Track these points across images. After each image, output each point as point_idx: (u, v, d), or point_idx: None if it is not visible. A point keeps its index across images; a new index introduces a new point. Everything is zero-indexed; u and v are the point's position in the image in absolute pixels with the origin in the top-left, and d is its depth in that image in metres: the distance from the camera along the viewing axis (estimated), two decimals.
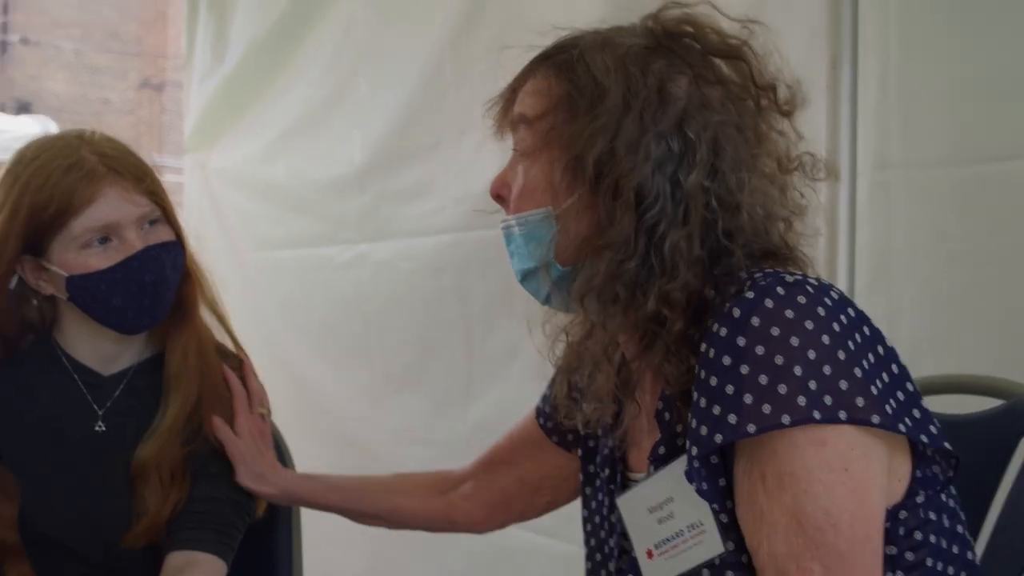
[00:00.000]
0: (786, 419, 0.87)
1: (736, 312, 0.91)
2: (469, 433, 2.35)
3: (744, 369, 0.89)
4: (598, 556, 1.13)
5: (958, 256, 1.64)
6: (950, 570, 0.95)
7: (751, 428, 0.88)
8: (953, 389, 1.30)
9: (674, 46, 1.01)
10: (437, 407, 2.49)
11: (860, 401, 0.88)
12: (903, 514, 0.93)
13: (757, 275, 0.95)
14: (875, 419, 0.88)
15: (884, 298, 1.70)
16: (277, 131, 2.96)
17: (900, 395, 0.92)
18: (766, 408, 0.87)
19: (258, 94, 3.03)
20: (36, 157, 1.36)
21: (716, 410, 0.90)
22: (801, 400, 0.87)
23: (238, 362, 1.48)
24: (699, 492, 0.93)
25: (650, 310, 0.96)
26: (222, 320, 1.49)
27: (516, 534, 2.29)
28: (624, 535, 1.05)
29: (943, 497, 0.97)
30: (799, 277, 0.94)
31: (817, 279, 0.94)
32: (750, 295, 0.91)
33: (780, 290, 0.91)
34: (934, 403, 1.26)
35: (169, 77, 16.09)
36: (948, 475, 0.97)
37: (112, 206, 1.34)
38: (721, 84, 1.00)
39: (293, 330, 2.90)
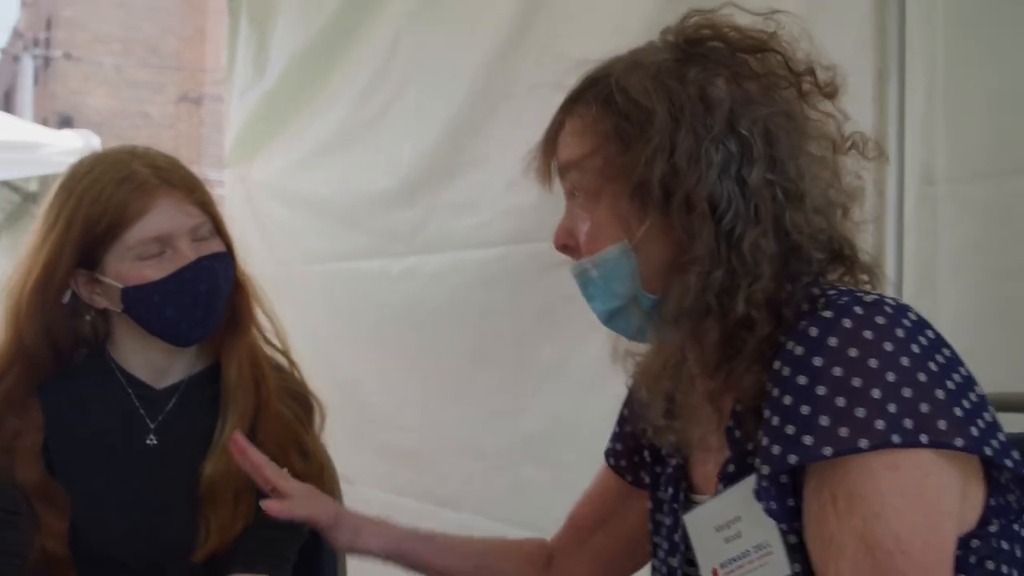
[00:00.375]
0: (864, 443, 0.86)
1: (813, 331, 0.90)
2: (519, 445, 2.35)
3: (821, 390, 0.88)
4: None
5: (1004, 269, 1.62)
6: None
7: (827, 451, 0.87)
8: (999, 407, 1.27)
9: (701, 51, 1.00)
10: (487, 419, 2.48)
11: (942, 424, 0.86)
12: (975, 543, 0.91)
13: (831, 292, 0.94)
14: (959, 442, 0.87)
15: (928, 311, 1.67)
16: (322, 143, 2.97)
17: (981, 421, 0.90)
18: (843, 431, 0.86)
19: (301, 107, 3.05)
20: (89, 172, 1.38)
21: (790, 430, 0.89)
22: (879, 424, 0.86)
23: (290, 374, 1.49)
24: (768, 512, 0.92)
25: (740, 314, 0.94)
26: (277, 329, 1.50)
27: None
28: (689, 554, 1.04)
29: (1016, 527, 0.94)
30: (876, 297, 0.93)
31: (894, 300, 0.93)
32: (827, 314, 0.90)
33: (858, 309, 0.90)
34: None
35: (207, 91, 16.29)
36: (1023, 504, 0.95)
37: (165, 217, 1.35)
38: (758, 77, 0.99)
39: (343, 342, 2.91)
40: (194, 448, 1.39)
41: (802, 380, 0.89)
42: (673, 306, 0.97)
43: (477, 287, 2.48)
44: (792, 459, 0.88)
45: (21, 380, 1.39)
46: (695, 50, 1.00)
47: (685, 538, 1.04)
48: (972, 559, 0.91)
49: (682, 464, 1.09)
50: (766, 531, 0.94)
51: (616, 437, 1.24)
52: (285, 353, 1.51)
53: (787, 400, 0.89)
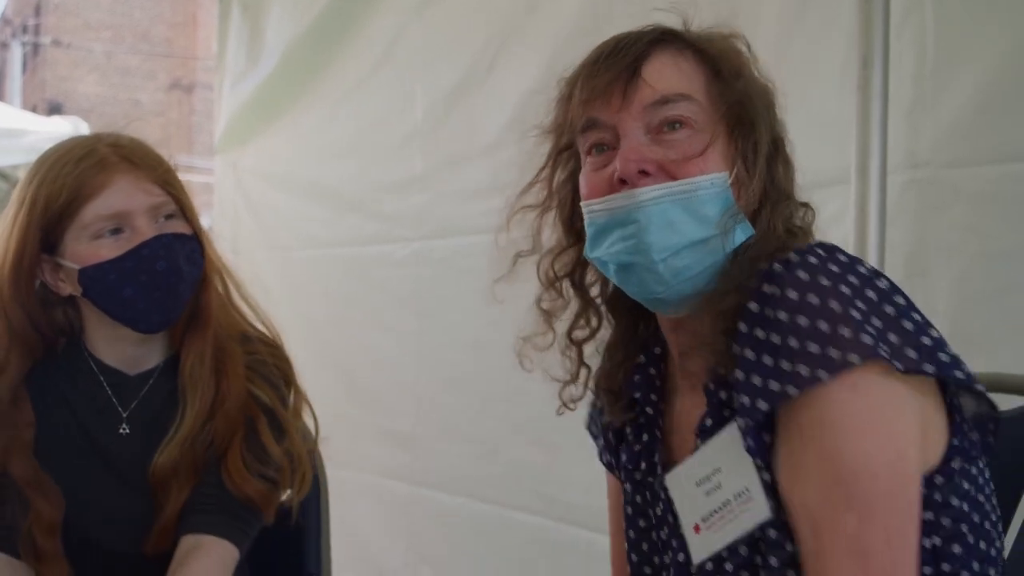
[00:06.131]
0: (822, 374, 0.88)
1: (782, 270, 0.94)
2: (513, 430, 2.37)
3: (801, 320, 0.90)
4: (647, 569, 1.13)
5: (991, 255, 1.64)
6: (982, 544, 0.95)
7: (792, 391, 0.89)
8: (991, 388, 1.29)
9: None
10: (482, 404, 2.50)
11: (911, 352, 0.89)
12: (939, 479, 0.93)
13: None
14: (929, 367, 0.90)
15: (917, 297, 1.69)
16: (324, 130, 2.97)
17: (926, 340, 0.92)
18: (803, 369, 0.89)
19: (299, 94, 3.04)
20: (53, 154, 1.36)
21: (757, 380, 0.92)
22: (833, 352, 0.88)
23: (270, 345, 1.46)
24: (747, 449, 0.94)
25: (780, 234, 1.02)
26: (261, 316, 1.47)
27: (557, 527, 2.31)
28: (673, 519, 1.05)
29: (974, 469, 0.97)
30: (830, 246, 0.96)
31: (820, 244, 0.96)
32: (793, 256, 0.94)
33: (820, 250, 0.94)
34: None
35: (199, 79, 16.22)
36: (987, 440, 0.98)
37: (124, 194, 1.32)
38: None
39: (339, 326, 2.91)
40: (161, 438, 1.37)
41: (781, 315, 0.91)
42: (762, 240, 1.00)
43: (482, 273, 2.49)
44: (791, 390, 0.90)
45: (20, 366, 1.39)
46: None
47: (668, 505, 1.05)
48: (937, 496, 0.93)
49: (653, 439, 1.11)
50: (745, 477, 0.95)
51: (595, 438, 1.25)
52: (272, 341, 1.48)
53: (774, 337, 0.91)
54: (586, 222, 1.05)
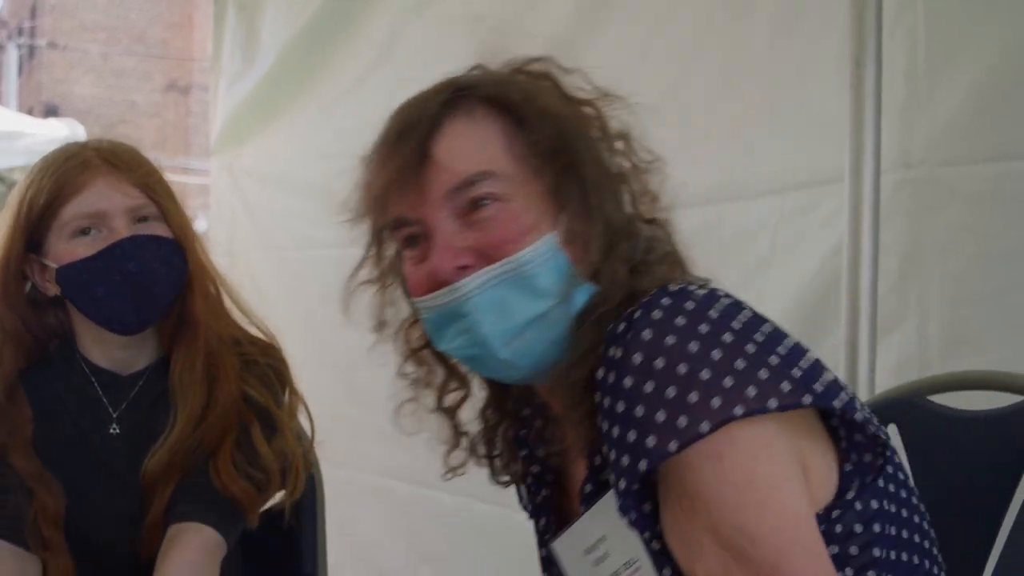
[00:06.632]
0: (704, 427, 0.82)
1: (623, 330, 0.87)
2: None
3: (648, 387, 0.85)
4: None
5: (987, 254, 1.64)
6: (904, 555, 0.91)
7: (673, 446, 0.83)
8: (969, 385, 1.29)
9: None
10: (480, 403, 2.49)
11: (785, 386, 0.84)
12: (836, 513, 0.88)
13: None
14: (772, 403, 0.83)
15: (913, 297, 1.70)
16: (320, 132, 2.95)
17: (796, 372, 0.86)
18: (681, 421, 0.83)
19: (295, 95, 3.04)
20: (45, 158, 1.40)
21: (632, 436, 0.85)
22: (715, 402, 0.82)
23: (268, 348, 1.46)
24: (630, 523, 0.89)
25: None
26: (255, 320, 1.47)
27: None
28: None
29: (880, 483, 0.91)
30: (682, 285, 0.92)
31: (666, 291, 0.90)
32: (636, 312, 0.88)
33: (665, 300, 0.88)
34: (954, 400, 1.27)
35: (195, 80, 16.22)
36: (881, 460, 0.92)
37: (101, 195, 1.34)
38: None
39: (337, 326, 2.88)
40: (150, 439, 1.38)
41: (627, 382, 0.86)
42: (606, 295, 0.93)
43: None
44: (643, 465, 0.85)
45: (13, 364, 1.40)
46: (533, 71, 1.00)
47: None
48: (838, 528, 0.88)
49: (549, 495, 1.06)
50: (632, 546, 0.91)
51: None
52: (267, 343, 1.48)
53: (620, 407, 0.86)
54: (421, 318, 1.00)
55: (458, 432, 1.09)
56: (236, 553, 1.43)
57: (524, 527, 1.16)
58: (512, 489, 1.16)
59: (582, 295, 0.94)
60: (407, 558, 2.75)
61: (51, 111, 15.23)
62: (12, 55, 16.92)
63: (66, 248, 1.34)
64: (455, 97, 0.97)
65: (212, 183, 3.50)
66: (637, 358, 0.85)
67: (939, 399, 1.27)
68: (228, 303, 1.48)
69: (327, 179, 3.18)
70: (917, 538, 0.93)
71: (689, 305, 0.87)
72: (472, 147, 0.95)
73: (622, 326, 0.88)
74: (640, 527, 0.89)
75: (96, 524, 1.39)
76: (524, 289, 0.93)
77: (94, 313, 1.36)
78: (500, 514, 2.40)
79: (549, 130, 0.95)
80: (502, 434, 1.10)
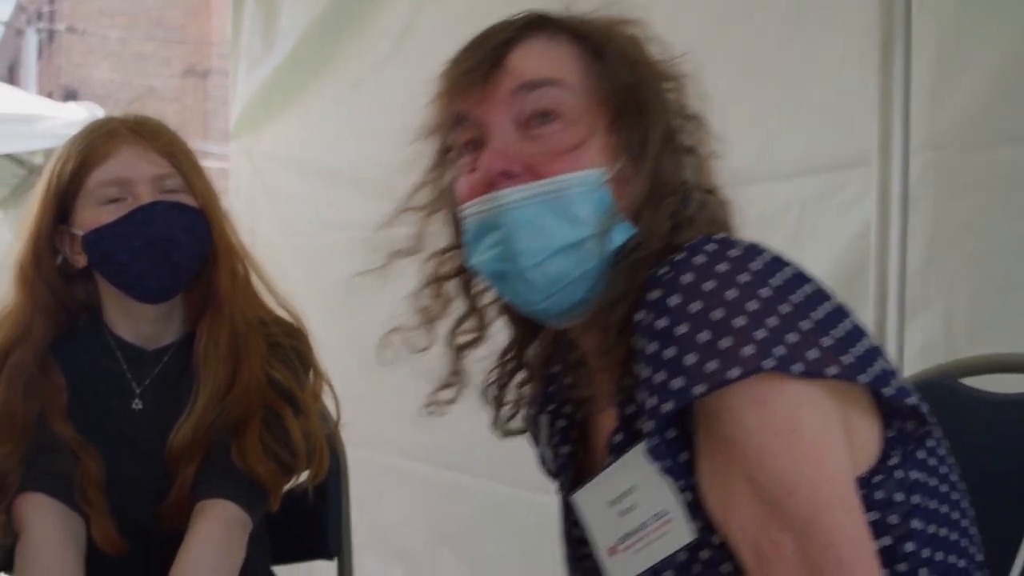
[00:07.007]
0: (734, 373, 0.80)
1: (665, 273, 0.86)
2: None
3: (682, 329, 0.83)
4: None
5: (1014, 237, 1.63)
6: (942, 531, 0.89)
7: (699, 389, 0.81)
8: (999, 368, 1.28)
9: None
10: None
11: (812, 354, 0.81)
12: (878, 478, 0.86)
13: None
14: (831, 370, 0.81)
15: (940, 278, 1.69)
16: (343, 114, 2.94)
17: (856, 350, 0.85)
18: (711, 365, 0.81)
19: (316, 78, 3.02)
20: (75, 134, 1.42)
21: (661, 377, 0.83)
22: (747, 350, 0.80)
23: (293, 330, 1.48)
24: (665, 471, 0.87)
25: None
26: (281, 300, 1.49)
27: None
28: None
29: (921, 455, 0.90)
30: (725, 235, 0.90)
31: (712, 238, 0.89)
32: (679, 255, 0.86)
33: (709, 247, 0.86)
34: (983, 383, 1.26)
35: (214, 64, 16.24)
36: (923, 430, 0.90)
37: (126, 163, 1.37)
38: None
39: (360, 309, 2.87)
40: (172, 415, 1.39)
41: (662, 323, 0.84)
42: (646, 239, 0.91)
43: None
44: (668, 407, 0.83)
45: (44, 335, 1.41)
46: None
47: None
48: (879, 494, 0.86)
49: (574, 451, 1.04)
50: (664, 498, 0.88)
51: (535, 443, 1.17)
52: (293, 325, 1.49)
53: (652, 348, 0.84)
54: (463, 227, 0.99)
55: (456, 371, 1.07)
56: (261, 532, 1.44)
57: (545, 509, 1.15)
58: (532, 469, 1.14)
59: (621, 234, 0.92)
60: (427, 539, 2.76)
61: (70, 95, 15.29)
62: (32, 39, 16.98)
63: (92, 215, 1.36)
64: (538, 21, 0.97)
65: (231, 167, 3.50)
66: (674, 300, 0.84)
67: (969, 382, 1.26)
68: (256, 284, 1.49)
69: (346, 163, 3.21)
70: (955, 515, 0.91)
71: (733, 253, 0.85)
72: (546, 59, 0.95)
73: (664, 269, 0.86)
74: (675, 474, 0.87)
75: (122, 497, 1.40)
76: (563, 214, 0.91)
77: (117, 279, 1.38)
78: (521, 496, 2.41)
79: (625, 72, 0.95)
80: (516, 385, 1.09)
